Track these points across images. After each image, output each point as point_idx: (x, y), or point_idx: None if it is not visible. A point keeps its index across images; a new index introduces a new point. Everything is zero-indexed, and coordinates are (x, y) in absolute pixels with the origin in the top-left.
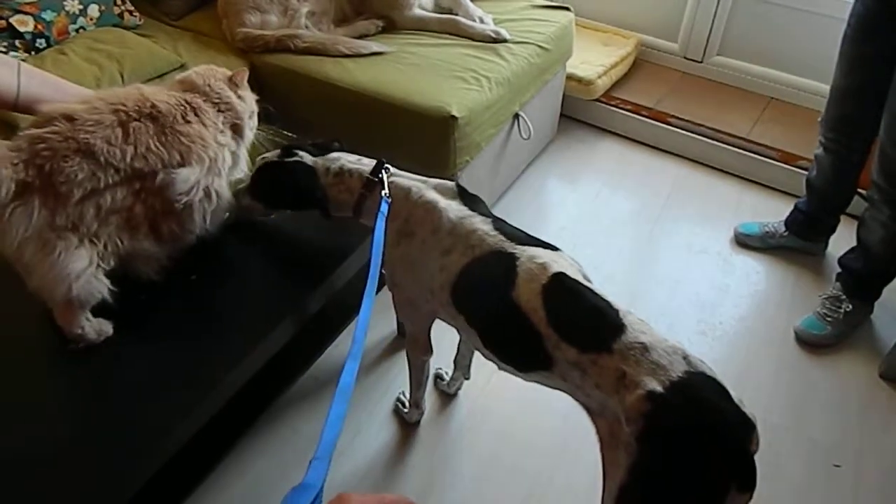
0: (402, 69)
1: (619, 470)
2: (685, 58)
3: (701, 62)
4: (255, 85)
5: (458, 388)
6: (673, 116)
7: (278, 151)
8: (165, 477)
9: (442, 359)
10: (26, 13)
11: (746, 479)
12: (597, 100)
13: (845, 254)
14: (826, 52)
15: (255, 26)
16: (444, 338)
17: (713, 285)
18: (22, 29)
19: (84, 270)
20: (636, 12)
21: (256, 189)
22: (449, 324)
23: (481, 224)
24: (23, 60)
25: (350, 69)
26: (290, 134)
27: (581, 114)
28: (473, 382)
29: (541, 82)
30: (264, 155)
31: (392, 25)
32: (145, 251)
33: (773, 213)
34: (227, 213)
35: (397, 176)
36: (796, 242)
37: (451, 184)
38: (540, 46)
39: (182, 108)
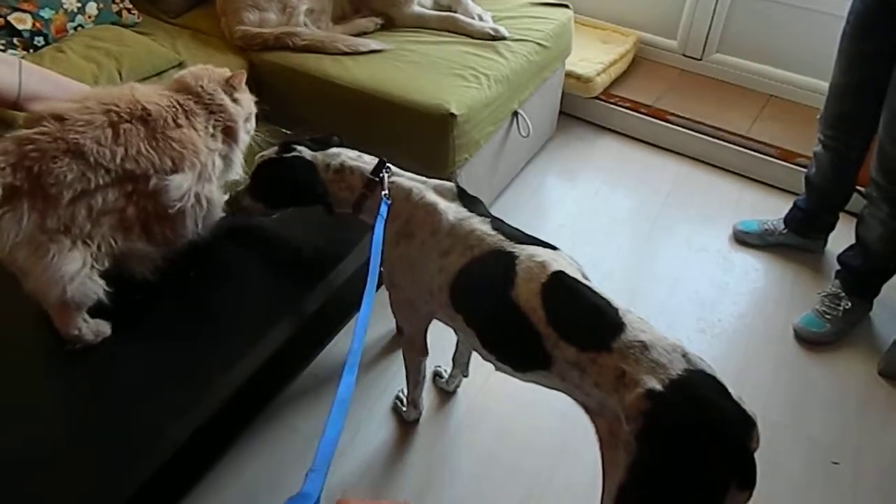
0: (401, 67)
1: (618, 469)
2: (684, 55)
3: (700, 60)
4: (253, 83)
5: (457, 386)
6: (672, 114)
7: (276, 148)
8: (163, 477)
9: (441, 356)
10: (24, 11)
11: (746, 477)
12: (596, 97)
13: (844, 251)
14: (825, 50)
15: (253, 24)
16: (443, 336)
17: (712, 283)
18: (20, 27)
19: (78, 272)
20: (635, 10)
21: (256, 188)
22: (447, 324)
23: (480, 224)
24: (21, 59)
25: (349, 67)
26: (287, 132)
27: (580, 111)
28: (472, 380)
29: (540, 80)
30: (262, 153)
31: (391, 23)
32: (139, 251)
33: (772, 210)
34: (225, 214)
35: (398, 176)
36: (795, 240)
37: (450, 185)
38: (539, 44)
39: (173, 110)
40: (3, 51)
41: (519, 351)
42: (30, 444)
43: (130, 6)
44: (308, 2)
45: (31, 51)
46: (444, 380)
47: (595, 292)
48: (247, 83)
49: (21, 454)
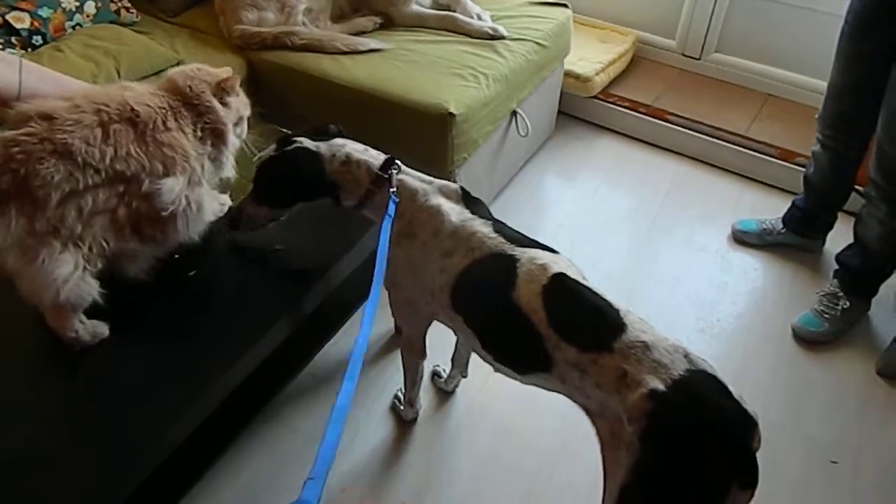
0: (400, 66)
1: (620, 469)
2: (683, 55)
3: (699, 59)
4: (252, 82)
5: (456, 386)
6: (671, 113)
7: (274, 146)
8: (162, 477)
9: (440, 357)
10: (23, 10)
11: (748, 477)
12: (594, 97)
13: (843, 251)
14: (824, 49)
15: (252, 23)
16: (443, 336)
17: (712, 283)
18: (18, 26)
19: (71, 275)
20: (634, 9)
21: (259, 191)
22: (447, 326)
23: (482, 227)
24: (20, 58)
25: (347, 66)
26: (285, 131)
27: (579, 111)
28: (471, 380)
29: (538, 79)
30: (259, 154)
31: (390, 22)
32: (132, 251)
33: (771, 210)
34: (222, 213)
35: (405, 174)
36: (794, 239)
37: (455, 186)
38: (537, 43)
39: (163, 111)
40: (2, 50)
41: (520, 352)
42: (30, 444)
43: (129, 5)
44: (307, 1)
45: (30, 50)
46: (442, 379)
47: (596, 293)
48: (245, 82)
49: (21, 454)
